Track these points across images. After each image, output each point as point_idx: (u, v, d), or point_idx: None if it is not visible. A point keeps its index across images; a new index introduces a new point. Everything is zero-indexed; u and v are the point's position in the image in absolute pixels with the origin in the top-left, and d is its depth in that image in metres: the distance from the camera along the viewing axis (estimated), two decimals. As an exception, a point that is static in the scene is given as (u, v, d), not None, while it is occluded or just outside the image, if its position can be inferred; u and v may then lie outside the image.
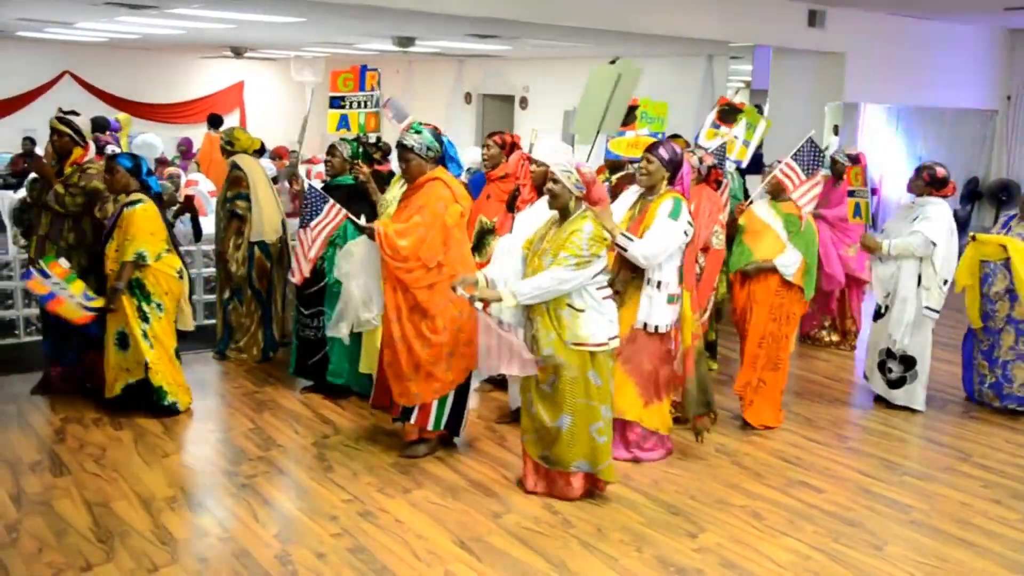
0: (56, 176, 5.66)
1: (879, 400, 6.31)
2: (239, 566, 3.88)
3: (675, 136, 6.49)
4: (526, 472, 4.69)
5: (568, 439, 4.46)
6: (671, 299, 4.87)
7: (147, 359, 5.46)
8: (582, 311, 4.35)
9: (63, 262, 5.40)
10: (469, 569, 3.93)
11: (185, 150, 14.80)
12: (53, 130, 5.66)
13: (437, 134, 4.93)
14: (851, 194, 6.43)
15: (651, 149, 4.94)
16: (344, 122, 5.67)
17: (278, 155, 12.35)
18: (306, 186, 5.23)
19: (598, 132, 6.11)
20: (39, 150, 13.48)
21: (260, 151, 7.21)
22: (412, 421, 4.98)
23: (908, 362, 6.06)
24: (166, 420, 5.56)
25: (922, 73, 11.08)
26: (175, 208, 8.16)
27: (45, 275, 5.30)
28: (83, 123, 5.71)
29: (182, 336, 5.95)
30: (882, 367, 6.19)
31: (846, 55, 10.12)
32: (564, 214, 4.44)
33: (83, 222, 5.70)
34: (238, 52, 14.74)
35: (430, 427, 4.99)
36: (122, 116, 13.03)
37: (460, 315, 4.83)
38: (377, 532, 4.22)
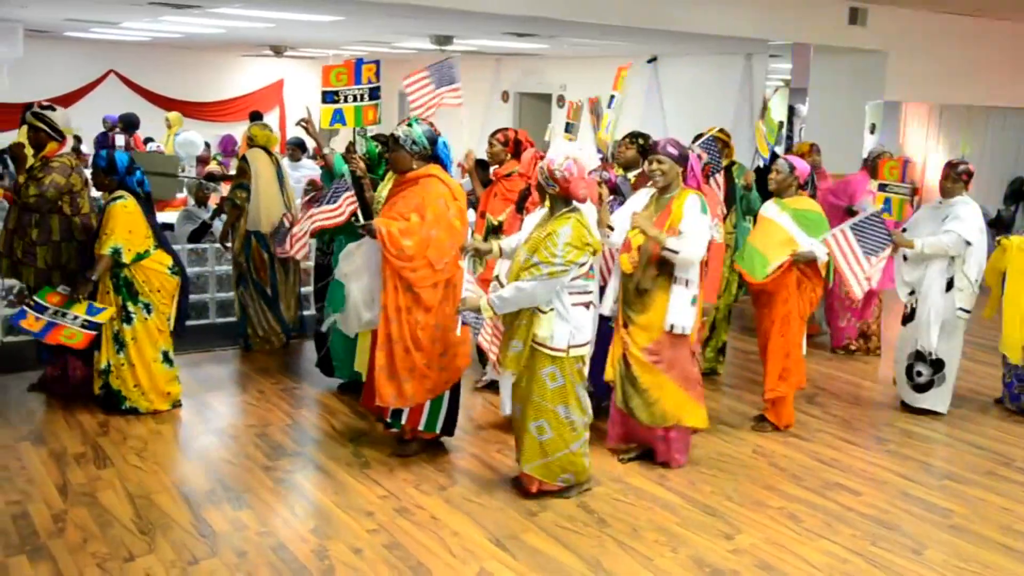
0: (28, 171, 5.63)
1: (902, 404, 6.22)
2: (276, 560, 3.93)
3: (640, 134, 6.16)
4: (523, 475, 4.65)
5: (527, 438, 4.43)
6: (693, 300, 4.78)
7: (110, 361, 5.44)
8: (545, 312, 4.27)
9: (62, 289, 5.33)
10: (504, 567, 3.94)
11: (232, 147, 15.01)
12: (28, 124, 5.61)
13: (432, 134, 4.82)
14: (883, 188, 6.27)
15: (658, 149, 4.82)
16: (339, 116, 5.58)
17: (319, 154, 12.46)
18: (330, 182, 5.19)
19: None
20: (85, 148, 13.75)
21: (302, 147, 7.21)
22: (404, 422, 4.95)
23: (937, 365, 5.95)
24: (207, 415, 5.65)
25: (966, 71, 10.89)
26: (214, 207, 8.28)
27: (41, 309, 5.22)
28: (60, 117, 5.65)
29: (216, 334, 6.02)
30: (909, 371, 6.08)
31: (888, 53, 9.99)
32: (552, 209, 4.39)
33: (51, 219, 5.57)
34: (278, 51, 14.89)
35: (422, 427, 4.96)
36: (172, 115, 13.23)
37: (450, 313, 4.77)
38: (413, 528, 4.25)
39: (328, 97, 5.56)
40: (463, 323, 4.56)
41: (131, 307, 5.41)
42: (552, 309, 4.27)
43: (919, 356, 6.00)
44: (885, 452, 5.47)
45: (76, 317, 5.25)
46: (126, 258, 5.33)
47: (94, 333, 5.28)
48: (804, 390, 6.06)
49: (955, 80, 10.92)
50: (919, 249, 5.79)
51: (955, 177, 5.88)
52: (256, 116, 13.26)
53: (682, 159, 4.82)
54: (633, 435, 5.08)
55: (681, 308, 4.75)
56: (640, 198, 5.00)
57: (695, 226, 4.71)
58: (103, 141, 11.09)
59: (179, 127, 13.04)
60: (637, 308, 4.83)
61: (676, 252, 4.65)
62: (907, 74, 10.27)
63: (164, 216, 8.98)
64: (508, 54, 15.08)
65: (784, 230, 5.42)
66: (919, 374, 6.03)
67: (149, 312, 5.47)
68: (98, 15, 10.67)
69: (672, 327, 4.75)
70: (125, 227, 5.32)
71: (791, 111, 10.96)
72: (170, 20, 10.36)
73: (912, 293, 5.98)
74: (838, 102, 10.31)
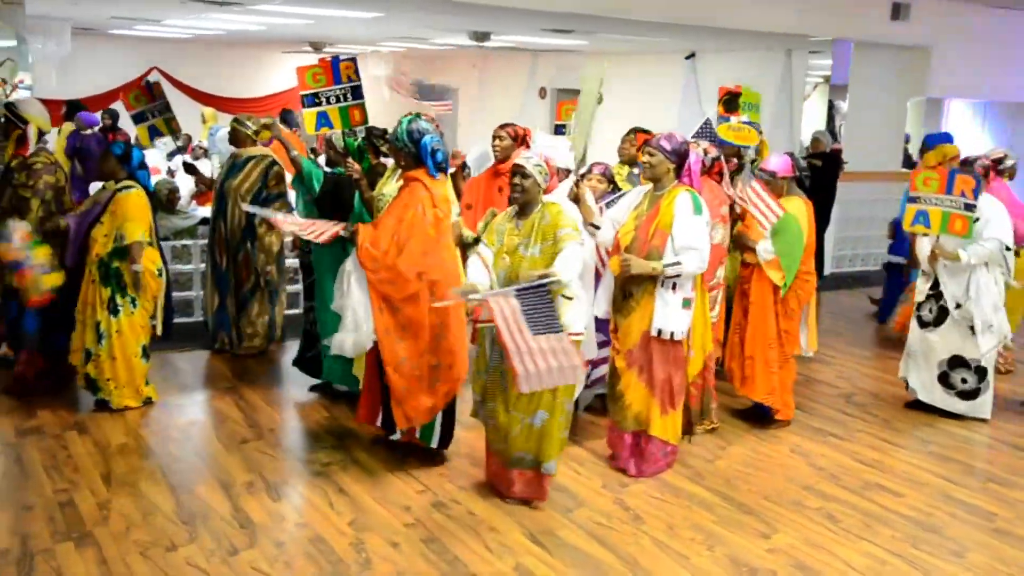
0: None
1: (920, 407, 6.08)
2: (314, 551, 3.97)
3: (641, 130, 6.11)
4: (495, 474, 4.56)
5: (539, 437, 4.33)
6: (686, 303, 4.60)
7: (90, 348, 5.38)
8: (571, 299, 4.26)
9: (24, 225, 5.20)
10: (540, 563, 3.95)
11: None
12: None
13: (419, 133, 4.59)
14: (912, 200, 5.81)
15: (651, 140, 4.69)
16: (324, 119, 5.31)
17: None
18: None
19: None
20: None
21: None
22: (404, 434, 4.88)
23: (982, 372, 5.82)
24: (244, 408, 5.71)
25: (1012, 67, 10.72)
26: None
27: (10, 240, 5.08)
28: (30, 107, 5.66)
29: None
30: (945, 379, 5.91)
31: (931, 49, 9.86)
32: (526, 209, 4.33)
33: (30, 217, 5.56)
34: (317, 47, 15.03)
35: (417, 435, 4.87)
36: (207, 111, 13.37)
37: (440, 324, 4.57)
38: (450, 523, 4.27)
39: (309, 100, 5.26)
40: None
41: (119, 299, 5.36)
42: (575, 296, 4.26)
43: (960, 362, 5.85)
44: (926, 453, 5.39)
45: (38, 266, 5.11)
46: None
47: (49, 296, 5.15)
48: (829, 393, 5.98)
49: (1000, 76, 10.74)
50: (966, 260, 5.63)
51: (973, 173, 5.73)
52: (287, 115, 13.34)
53: (675, 154, 4.63)
54: (616, 444, 4.95)
55: (668, 312, 4.58)
56: (634, 196, 4.90)
57: (691, 233, 4.52)
58: (74, 142, 10.34)
59: (214, 123, 13.15)
60: (624, 312, 4.73)
61: (679, 275, 4.52)
62: (951, 70, 10.12)
63: (205, 211, 9.05)
64: (545, 50, 15.07)
65: (758, 227, 5.40)
66: (964, 381, 5.87)
67: (135, 306, 5.43)
68: (143, 12, 10.84)
69: (659, 332, 4.59)
70: (142, 214, 5.34)
71: (831, 107, 10.86)
72: (212, 17, 10.50)
73: (959, 307, 5.74)
74: (880, 99, 10.20)
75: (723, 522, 4.39)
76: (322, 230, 4.70)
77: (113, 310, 5.38)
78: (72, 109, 8.29)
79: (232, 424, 5.46)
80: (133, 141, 8.93)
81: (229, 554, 3.92)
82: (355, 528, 4.20)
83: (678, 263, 4.51)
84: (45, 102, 6.38)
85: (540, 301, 3.93)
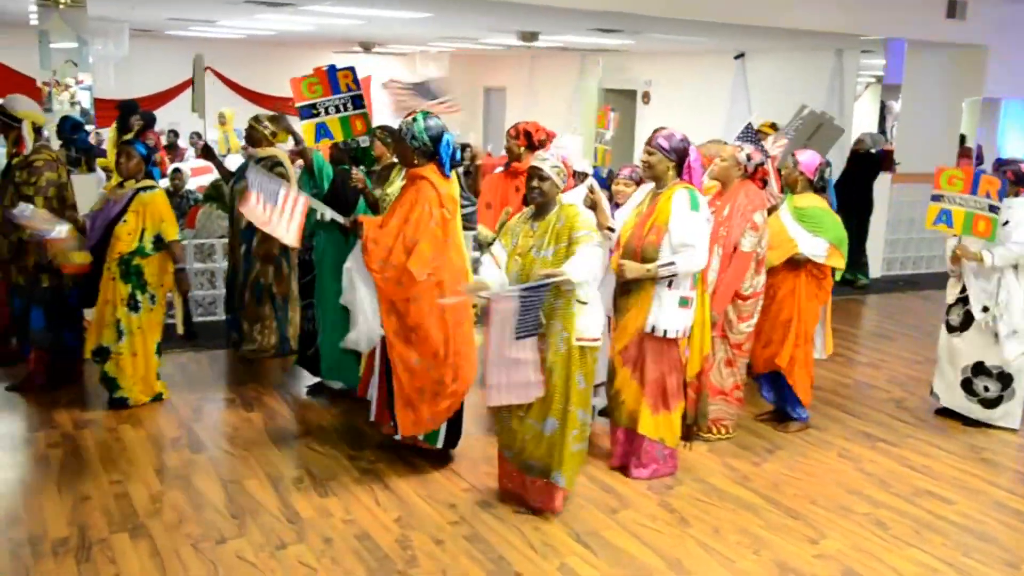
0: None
1: (945, 414, 5.98)
2: (361, 548, 4.02)
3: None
4: (507, 476, 4.52)
5: (549, 445, 4.27)
6: (683, 302, 4.55)
7: (109, 346, 5.44)
8: (586, 304, 4.20)
9: (34, 205, 5.38)
10: (585, 563, 3.96)
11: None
12: None
13: (438, 130, 4.54)
14: (936, 199, 5.66)
15: (650, 139, 4.65)
16: (324, 131, 5.17)
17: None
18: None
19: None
20: (182, 143, 14.16)
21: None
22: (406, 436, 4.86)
23: (1006, 380, 5.68)
24: (293, 405, 5.79)
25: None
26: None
27: (25, 215, 5.27)
28: (19, 104, 5.75)
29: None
30: (968, 385, 5.78)
31: (988, 48, 9.66)
32: (542, 211, 4.30)
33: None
34: (366, 47, 15.17)
35: (421, 438, 4.84)
36: (227, 111, 13.58)
37: (452, 322, 4.56)
38: (495, 522, 4.29)
39: (306, 112, 5.11)
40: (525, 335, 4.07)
41: (139, 296, 5.44)
42: (588, 300, 4.20)
43: (981, 369, 5.72)
44: (979, 460, 5.30)
45: (68, 240, 5.32)
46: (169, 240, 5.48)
47: (86, 267, 5.40)
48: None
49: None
50: (989, 262, 5.50)
51: (1003, 176, 5.57)
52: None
53: (674, 153, 4.58)
54: (612, 440, 4.94)
55: (663, 310, 4.55)
56: (639, 194, 4.87)
57: (687, 230, 4.47)
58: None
59: (234, 123, 13.30)
60: (621, 309, 4.70)
61: (674, 275, 4.49)
62: (1009, 69, 9.92)
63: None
64: (594, 50, 15.04)
65: (784, 229, 5.34)
66: (986, 388, 5.74)
67: (153, 303, 5.52)
68: (198, 14, 11.03)
69: (653, 329, 4.56)
70: (172, 214, 5.52)
71: (883, 108, 10.70)
72: (264, 18, 10.65)
73: (986, 309, 5.61)
74: (934, 99, 10.03)
75: (770, 526, 4.36)
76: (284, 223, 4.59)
77: (133, 307, 5.46)
78: (125, 109, 8.45)
79: (282, 420, 5.54)
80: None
81: (277, 548, 3.99)
82: (401, 525, 4.24)
83: (671, 263, 4.48)
84: (102, 102, 6.49)
85: (535, 302, 4.01)
